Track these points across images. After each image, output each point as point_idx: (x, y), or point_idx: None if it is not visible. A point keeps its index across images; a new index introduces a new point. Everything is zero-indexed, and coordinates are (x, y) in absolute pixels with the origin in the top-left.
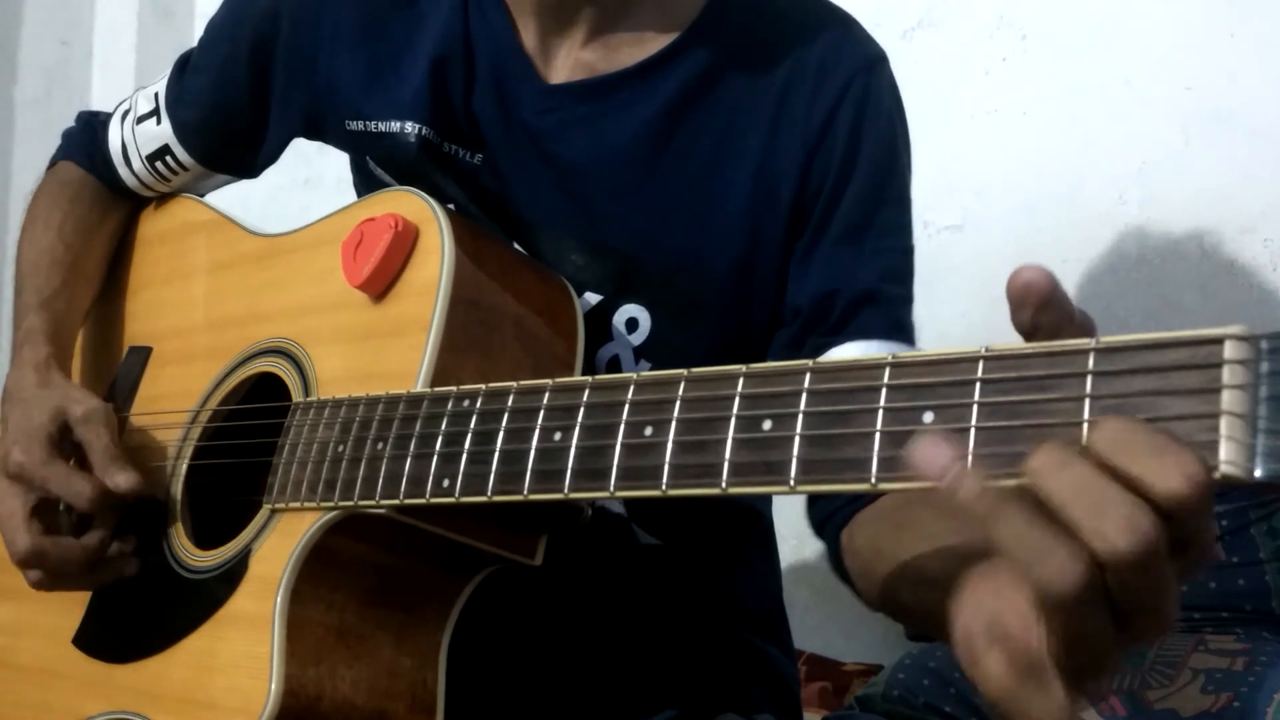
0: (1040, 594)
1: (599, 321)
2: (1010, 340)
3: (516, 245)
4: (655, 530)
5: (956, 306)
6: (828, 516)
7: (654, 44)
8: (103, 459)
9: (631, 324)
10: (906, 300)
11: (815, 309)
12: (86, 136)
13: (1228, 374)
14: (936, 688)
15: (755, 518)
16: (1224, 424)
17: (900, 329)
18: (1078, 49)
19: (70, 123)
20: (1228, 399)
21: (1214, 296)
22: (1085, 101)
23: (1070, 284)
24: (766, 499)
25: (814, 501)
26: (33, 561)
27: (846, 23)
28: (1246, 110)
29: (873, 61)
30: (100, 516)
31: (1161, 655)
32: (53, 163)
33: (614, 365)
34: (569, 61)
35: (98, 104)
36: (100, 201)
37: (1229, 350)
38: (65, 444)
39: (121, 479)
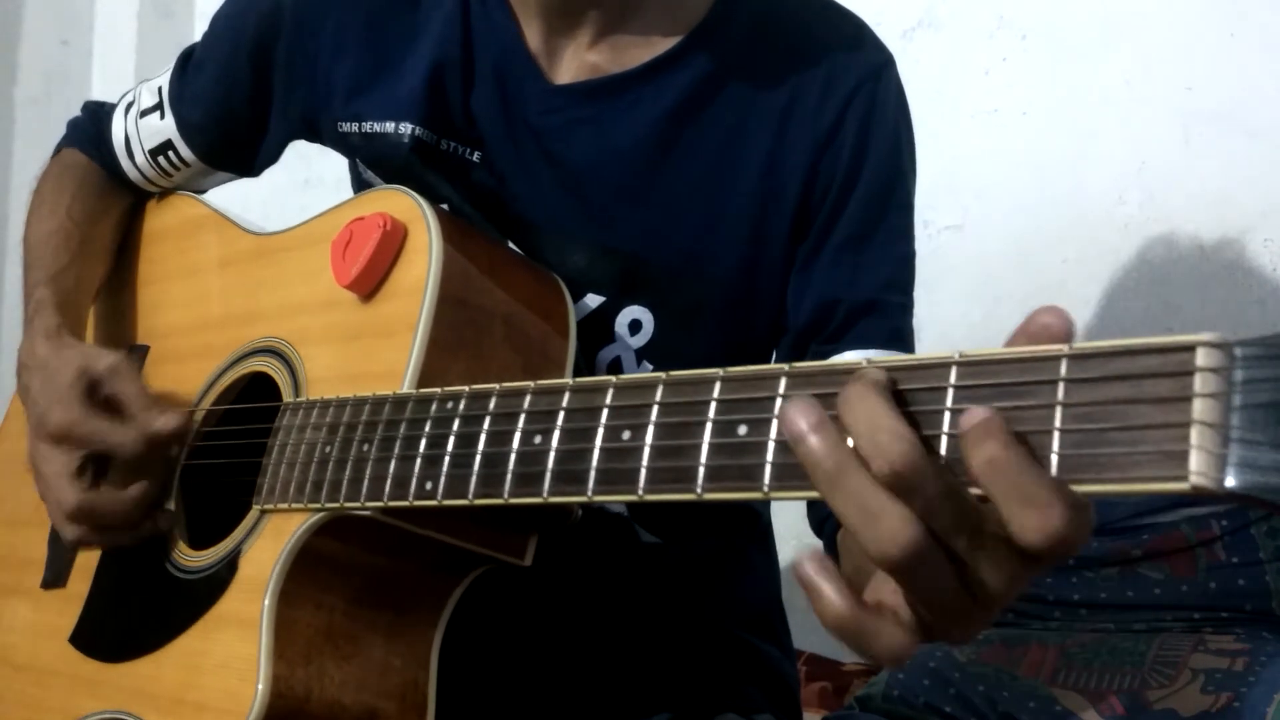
0: (876, 558)
1: (601, 323)
2: (996, 347)
3: (514, 245)
4: (655, 529)
5: (956, 306)
6: (826, 516)
7: (661, 45)
8: (140, 405)
9: (634, 326)
10: (906, 308)
11: (816, 317)
12: (92, 126)
13: (1200, 382)
14: (936, 688)
15: (754, 517)
16: (1194, 433)
17: (899, 338)
18: (1078, 49)
19: (70, 117)
20: (1199, 408)
21: (1214, 297)
22: (1085, 101)
23: (1070, 284)
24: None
25: (813, 503)
26: (82, 516)
27: (855, 26)
28: (1246, 110)
29: (880, 67)
30: (144, 468)
31: (1161, 655)
32: (58, 150)
33: (615, 367)
34: (574, 62)
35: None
36: (105, 188)
37: (1201, 358)
38: (96, 399)
39: (164, 421)
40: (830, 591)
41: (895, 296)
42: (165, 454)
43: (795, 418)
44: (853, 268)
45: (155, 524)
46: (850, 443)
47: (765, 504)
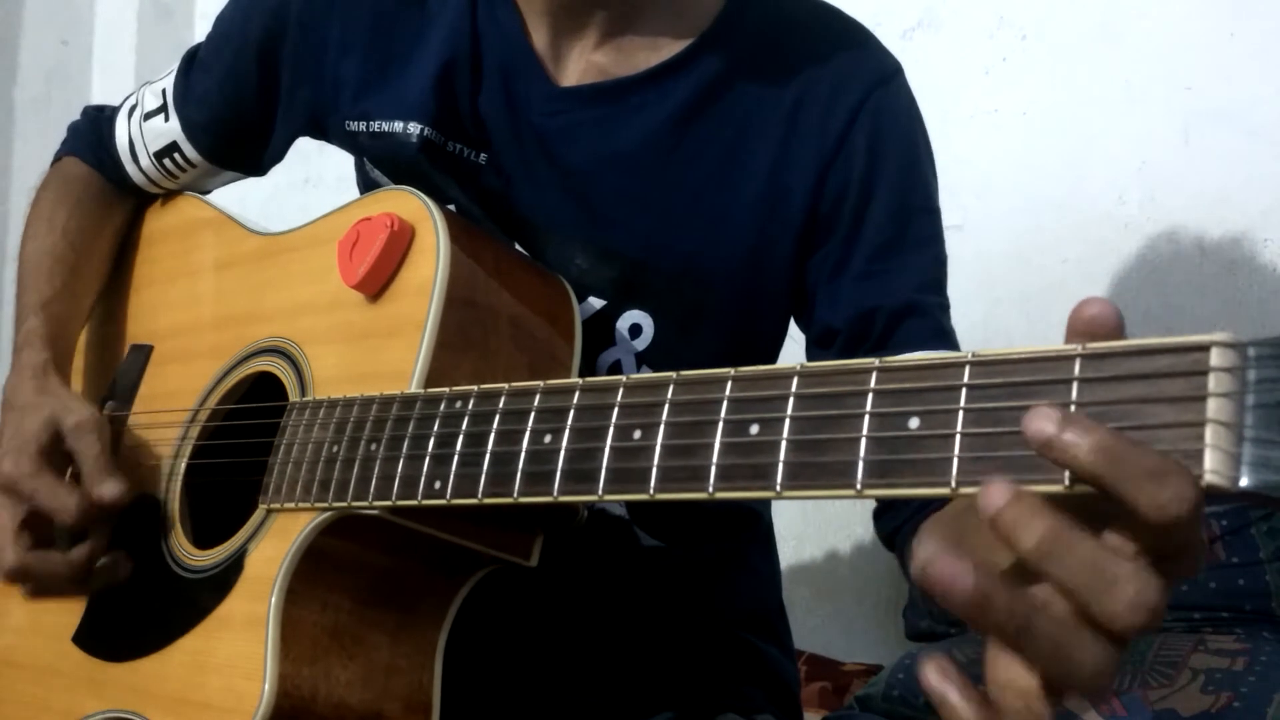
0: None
1: (602, 326)
2: (1011, 341)
3: (519, 247)
4: (656, 531)
5: (956, 306)
6: (895, 529)
7: (668, 49)
8: (92, 469)
9: (635, 329)
10: (945, 307)
11: (855, 327)
12: (93, 132)
13: (1214, 381)
14: None
15: (755, 518)
16: (1209, 432)
17: (944, 336)
18: (1078, 49)
19: (70, 123)
20: (1213, 407)
21: (1214, 297)
22: (1085, 101)
23: (1070, 284)
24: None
25: (880, 515)
26: (18, 577)
27: (862, 36)
28: (1246, 110)
29: (888, 75)
30: (91, 527)
31: (1161, 655)
32: (57, 157)
33: (615, 370)
34: (580, 64)
35: (98, 103)
36: (105, 198)
37: (1215, 357)
38: (57, 454)
39: (106, 490)
40: (956, 698)
41: (932, 297)
42: (162, 449)
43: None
44: (885, 275)
45: (114, 574)
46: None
47: (766, 505)
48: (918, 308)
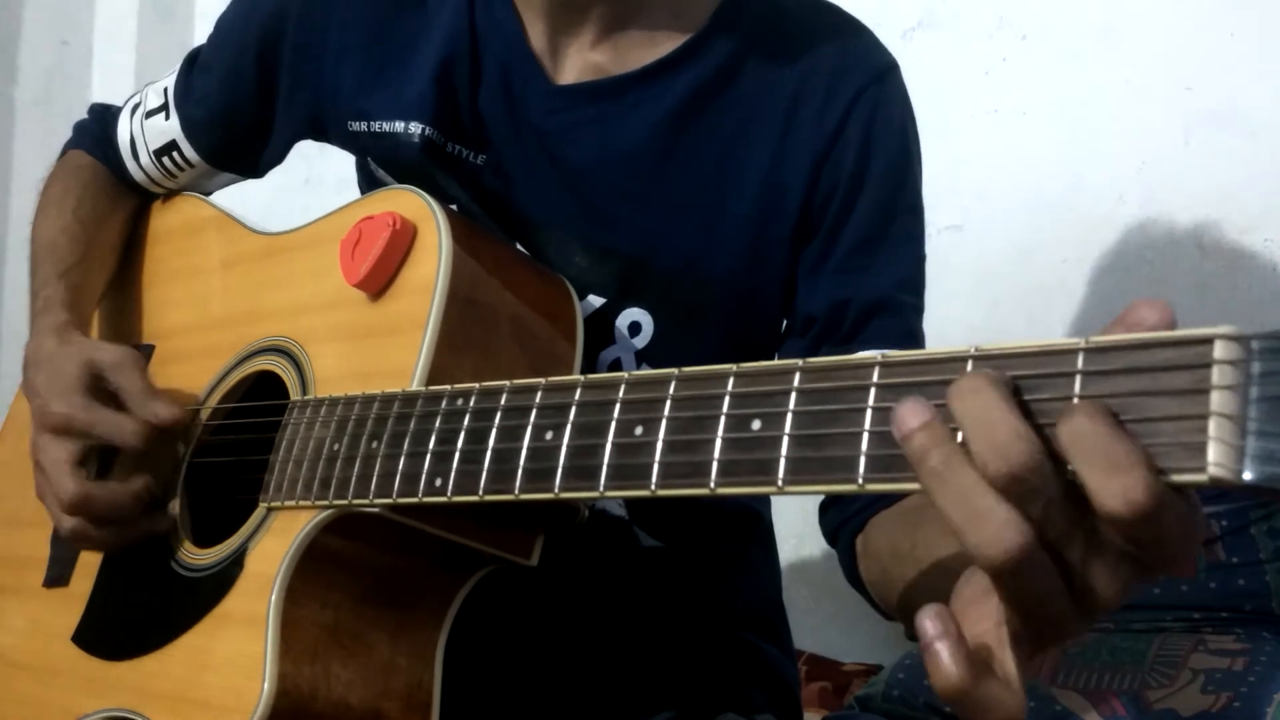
0: (980, 561)
1: (602, 324)
2: (1011, 340)
3: (519, 245)
4: (656, 532)
5: (956, 307)
6: (841, 524)
7: (665, 46)
8: (140, 398)
9: (634, 327)
10: (918, 309)
11: (828, 318)
12: (98, 128)
13: (1217, 374)
14: None
15: (755, 518)
16: (1213, 425)
17: (912, 337)
18: (1078, 49)
19: (70, 122)
20: (1217, 400)
21: (1214, 296)
22: (1085, 101)
23: (1070, 284)
24: (766, 499)
25: (826, 509)
26: (79, 507)
27: (858, 31)
28: (1246, 110)
29: (883, 71)
30: (141, 465)
31: (1161, 655)
32: (64, 152)
33: (615, 368)
34: (578, 62)
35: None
36: (112, 189)
37: (1219, 350)
38: (100, 391)
39: (162, 410)
40: (947, 658)
41: (907, 297)
42: (166, 447)
43: (906, 416)
44: (863, 270)
45: (153, 524)
46: (960, 436)
47: (766, 505)
48: (891, 305)
